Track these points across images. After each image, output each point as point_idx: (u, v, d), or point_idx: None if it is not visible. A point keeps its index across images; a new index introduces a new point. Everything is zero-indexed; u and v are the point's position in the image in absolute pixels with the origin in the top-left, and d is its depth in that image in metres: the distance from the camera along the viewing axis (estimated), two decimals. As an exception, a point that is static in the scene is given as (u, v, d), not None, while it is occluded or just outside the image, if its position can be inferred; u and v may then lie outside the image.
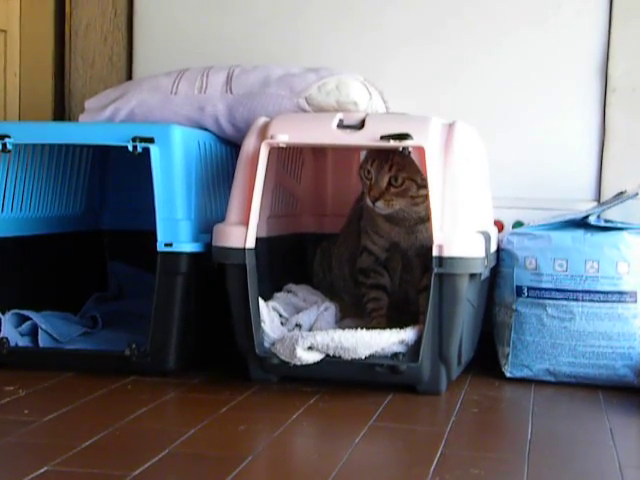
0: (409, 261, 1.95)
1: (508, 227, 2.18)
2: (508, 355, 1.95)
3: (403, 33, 2.31)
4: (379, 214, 1.91)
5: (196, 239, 1.88)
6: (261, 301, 1.83)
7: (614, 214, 2.05)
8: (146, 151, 1.84)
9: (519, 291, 1.94)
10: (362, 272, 1.99)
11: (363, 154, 1.96)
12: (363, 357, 1.75)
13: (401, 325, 1.79)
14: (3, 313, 1.94)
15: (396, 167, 1.84)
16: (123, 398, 1.72)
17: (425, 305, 1.75)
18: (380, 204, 1.85)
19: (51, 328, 1.96)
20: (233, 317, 1.82)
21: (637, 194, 2.02)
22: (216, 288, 1.85)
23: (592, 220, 1.93)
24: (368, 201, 1.86)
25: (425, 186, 1.79)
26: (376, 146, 1.79)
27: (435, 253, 1.72)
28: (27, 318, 1.96)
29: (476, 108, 2.26)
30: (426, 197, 1.80)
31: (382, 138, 1.75)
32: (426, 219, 1.84)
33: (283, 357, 1.76)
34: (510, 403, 1.83)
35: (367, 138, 1.77)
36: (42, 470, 1.28)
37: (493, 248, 1.92)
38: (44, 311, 2.02)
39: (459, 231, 1.75)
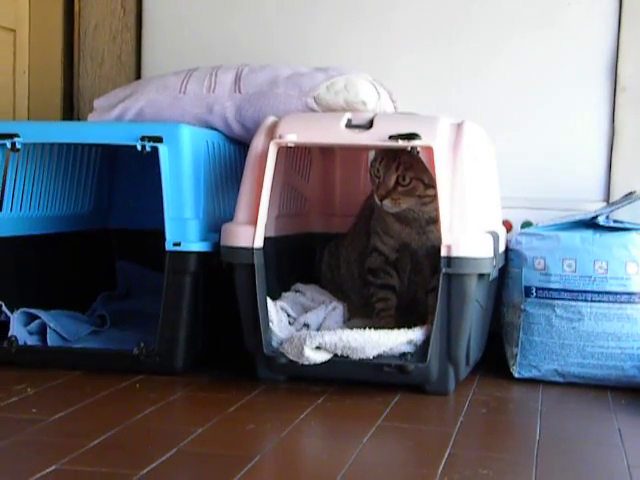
0: (419, 262, 1.94)
1: (517, 227, 2.18)
2: (516, 355, 1.94)
3: (412, 33, 2.31)
4: (389, 214, 1.91)
5: (204, 238, 1.88)
6: (269, 301, 1.83)
7: (623, 214, 2.04)
8: (155, 150, 1.84)
9: (527, 291, 1.93)
10: (371, 272, 1.99)
11: (372, 154, 1.96)
12: (371, 357, 1.75)
13: (409, 325, 1.79)
14: (12, 312, 1.94)
15: (403, 166, 1.84)
16: (131, 397, 1.72)
17: (434, 305, 1.75)
18: (387, 202, 1.85)
19: (59, 327, 1.97)
20: (241, 316, 1.83)
21: (646, 194, 2.01)
22: (224, 287, 1.85)
23: (601, 220, 1.93)
24: (376, 199, 1.86)
25: (433, 186, 1.79)
26: (384, 146, 1.79)
27: (443, 253, 1.72)
28: (36, 317, 1.97)
29: (485, 108, 2.25)
30: (434, 197, 1.80)
31: (390, 138, 1.75)
32: (436, 220, 1.83)
33: (291, 357, 1.76)
34: (518, 404, 1.82)
35: (375, 138, 1.77)
36: (51, 468, 1.29)
37: (502, 248, 1.91)
38: (52, 310, 2.02)
39: (468, 231, 1.75)
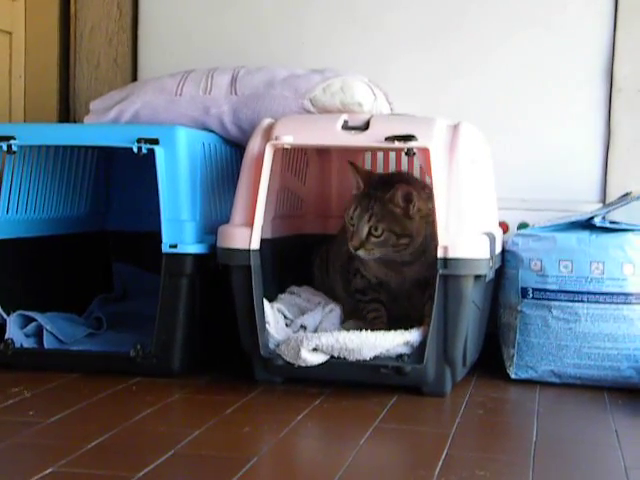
0: (405, 290, 1.95)
1: (513, 228, 2.18)
2: (513, 356, 1.95)
3: (408, 34, 2.31)
4: None
5: (201, 240, 1.88)
6: (266, 302, 1.83)
7: (619, 215, 2.04)
8: (151, 152, 1.85)
9: (524, 292, 1.93)
10: (359, 292, 2.00)
11: (357, 183, 1.94)
12: (368, 358, 1.75)
13: (406, 327, 1.79)
14: (8, 314, 1.94)
15: (375, 218, 1.86)
16: (128, 399, 1.72)
17: (430, 310, 1.75)
18: (361, 252, 1.87)
19: (56, 329, 1.97)
20: (238, 318, 1.82)
21: (642, 195, 2.01)
22: (221, 289, 1.85)
23: (597, 221, 1.93)
24: (351, 248, 1.87)
25: (405, 235, 1.85)
26: (381, 147, 1.80)
27: (440, 254, 1.72)
28: (32, 319, 1.96)
29: (481, 109, 2.25)
30: (408, 245, 1.86)
31: (387, 139, 1.75)
32: (412, 262, 1.89)
33: (288, 358, 1.76)
34: (515, 405, 1.82)
35: (372, 139, 1.77)
36: (47, 471, 1.29)
37: (498, 249, 1.91)
38: (49, 312, 2.02)
39: (464, 232, 1.75)
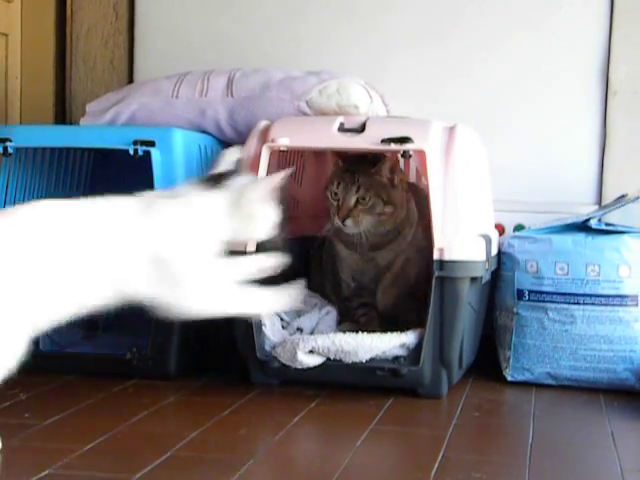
0: (382, 282, 1.96)
1: (509, 230, 2.18)
2: (509, 358, 1.95)
3: (404, 36, 2.31)
4: (339, 241, 1.94)
5: (197, 242, 1.88)
6: (262, 304, 1.83)
7: (615, 217, 2.05)
8: (147, 154, 1.84)
9: (520, 294, 1.93)
10: (347, 299, 2.00)
11: (336, 161, 1.95)
12: (364, 360, 1.75)
13: (402, 329, 1.79)
14: (4, 316, 1.93)
15: (364, 187, 1.86)
16: (124, 401, 1.72)
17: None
18: (349, 222, 1.87)
19: (52, 332, 1.96)
20: (234, 320, 1.82)
21: (638, 198, 2.01)
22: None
23: (593, 223, 1.93)
24: (337, 221, 1.88)
25: (390, 203, 1.86)
26: (377, 150, 1.79)
27: (436, 256, 1.72)
28: (28, 321, 1.96)
29: (477, 111, 2.25)
30: (392, 214, 1.87)
31: (383, 142, 1.75)
32: (381, 246, 1.91)
33: (284, 360, 1.76)
34: (511, 407, 1.83)
35: (368, 141, 1.78)
36: (44, 473, 1.29)
37: (494, 251, 1.92)
38: (45, 314, 2.02)
39: (460, 234, 1.75)
